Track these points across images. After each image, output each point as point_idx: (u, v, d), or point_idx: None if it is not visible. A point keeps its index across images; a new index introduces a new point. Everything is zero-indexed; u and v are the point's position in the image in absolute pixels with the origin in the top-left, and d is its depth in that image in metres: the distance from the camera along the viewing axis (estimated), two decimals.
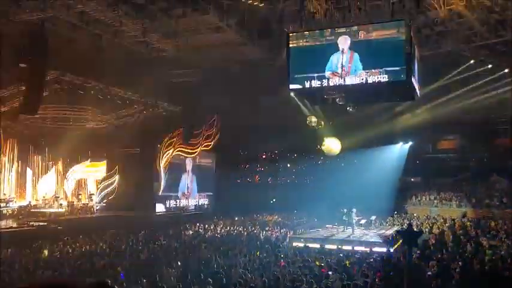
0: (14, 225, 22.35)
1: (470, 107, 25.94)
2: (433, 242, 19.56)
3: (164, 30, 20.80)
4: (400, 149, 35.48)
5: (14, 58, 18.72)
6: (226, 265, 13.18)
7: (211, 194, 35.41)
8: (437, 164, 35.53)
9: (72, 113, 27.98)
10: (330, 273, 11.77)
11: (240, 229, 24.36)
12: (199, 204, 34.25)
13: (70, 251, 16.96)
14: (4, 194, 26.56)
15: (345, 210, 22.66)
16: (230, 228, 24.90)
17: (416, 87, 15.43)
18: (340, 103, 16.34)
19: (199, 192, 34.33)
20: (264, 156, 43.27)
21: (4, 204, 25.24)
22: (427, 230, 24.16)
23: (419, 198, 32.72)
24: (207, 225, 25.65)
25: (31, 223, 22.77)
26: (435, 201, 31.66)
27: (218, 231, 23.95)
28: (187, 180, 33.46)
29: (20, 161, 28.52)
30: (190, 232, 23.49)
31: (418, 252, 15.24)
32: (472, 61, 23.18)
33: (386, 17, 15.47)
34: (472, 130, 32.87)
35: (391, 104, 25.66)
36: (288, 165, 41.64)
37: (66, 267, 13.57)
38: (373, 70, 14.45)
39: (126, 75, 23.77)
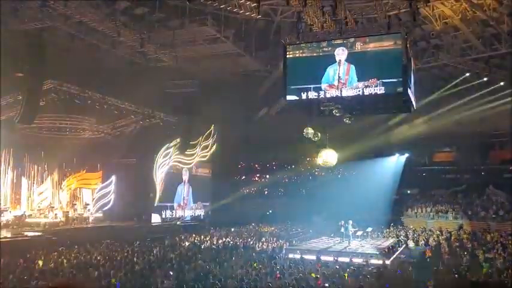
0: (9, 235, 22.16)
1: (466, 119, 26.08)
2: (430, 254, 19.53)
3: (162, 41, 20.93)
4: (397, 160, 35.55)
5: (12, 67, 18.72)
6: (222, 276, 13.10)
7: (207, 204, 35.26)
8: (434, 176, 35.60)
9: (69, 123, 27.92)
10: (326, 285, 11.72)
11: (236, 240, 24.26)
12: (195, 214, 34.10)
13: (65, 261, 16.81)
14: None
15: (343, 222, 22.62)
16: (226, 239, 24.78)
17: (413, 99, 15.52)
18: (337, 115, 16.41)
19: (195, 203, 34.21)
20: (260, 167, 43.23)
21: None
22: (423, 242, 24.14)
23: (415, 210, 32.70)
24: (203, 236, 25.52)
25: (26, 233, 22.60)
26: (431, 213, 31.64)
27: (214, 242, 23.83)
28: (184, 191, 33.35)
29: (15, 171, 28.38)
30: (186, 243, 23.35)
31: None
32: (467, 74, 23.36)
33: (383, 30, 15.59)
34: (468, 142, 32.99)
35: (388, 116, 25.78)
36: (284, 176, 41.59)
37: (61, 278, 13.44)
38: (369, 81, 14.54)
39: (123, 85, 23.81)
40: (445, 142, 35.62)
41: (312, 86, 15.37)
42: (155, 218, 29.95)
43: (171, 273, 13.43)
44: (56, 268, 15.34)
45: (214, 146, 33.59)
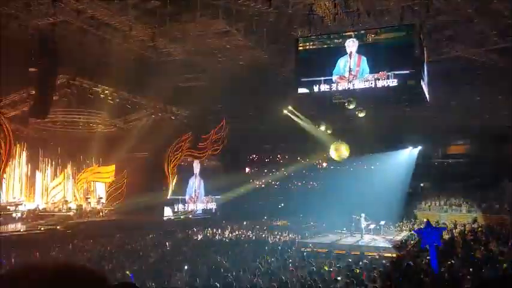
0: (23, 228, 22.47)
1: (481, 111, 25.76)
2: (443, 248, 19.36)
3: (173, 34, 20.89)
4: (409, 153, 35.26)
5: (25, 62, 18.85)
6: (234, 270, 13.13)
7: (218, 197, 35.31)
8: (447, 169, 35.28)
9: (82, 117, 28.16)
10: (339, 278, 11.68)
11: (249, 233, 24.30)
12: (207, 208, 34.21)
13: (79, 254, 17.00)
14: (13, 197, 26.74)
15: (357, 217, 22.56)
16: (238, 232, 24.84)
17: (426, 91, 15.37)
18: (349, 107, 16.32)
19: (206, 195, 34.26)
20: (271, 161, 43.15)
21: (13, 208, 25.39)
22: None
23: (428, 204, 32.47)
24: (215, 230, 25.62)
25: (40, 226, 22.88)
26: (445, 206, 31.40)
27: (226, 236, 23.90)
28: (195, 184, 33.46)
29: (29, 165, 28.73)
30: (199, 236, 23.46)
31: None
32: (482, 65, 23.00)
33: (396, 21, 15.41)
34: (483, 135, 32.60)
35: (400, 108, 25.52)
36: (296, 170, 41.48)
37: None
38: (379, 73, 14.41)
39: (135, 79, 23.89)
40: (459, 135, 35.23)
41: (323, 78, 15.30)
42: (167, 212, 30.13)
43: (186, 266, 13.49)
44: (70, 261, 15.49)
45: (226, 139, 33.56)
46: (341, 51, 15.28)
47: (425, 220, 20.47)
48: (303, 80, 15.67)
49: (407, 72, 14.35)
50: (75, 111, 27.34)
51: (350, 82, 14.95)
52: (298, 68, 16.17)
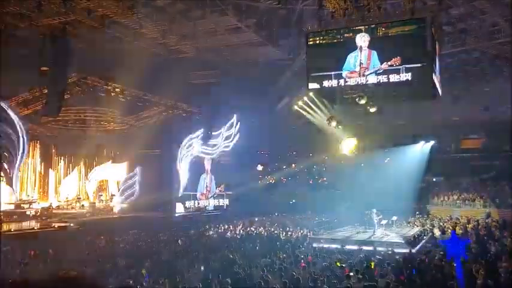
0: (37, 226, 22.72)
1: (494, 104, 25.45)
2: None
3: (183, 32, 20.93)
4: (422, 148, 34.98)
5: (37, 61, 19.02)
6: (246, 266, 13.15)
7: (230, 193, 35.35)
8: (460, 164, 34.88)
9: (93, 115, 28.37)
10: (351, 274, 11.64)
11: (260, 229, 24.32)
12: (219, 204, 34.29)
13: (92, 251, 17.15)
14: (27, 195, 27.05)
15: (369, 212, 22.45)
16: (250, 228, 24.87)
17: (438, 85, 15.21)
18: (360, 102, 16.21)
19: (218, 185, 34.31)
20: (283, 157, 43.09)
21: (27, 206, 25.69)
22: (449, 230, 23.76)
23: (441, 199, 32.20)
24: (226, 226, 25.68)
25: (54, 224, 23.12)
26: (458, 201, 31.11)
27: (238, 232, 23.95)
28: (206, 181, 33.56)
29: (42, 163, 29.03)
30: (211, 232, 23.54)
31: (441, 253, 14.98)
32: (495, 58, 22.73)
33: (407, 15, 15.24)
34: (496, 128, 32.19)
35: (412, 103, 25.31)
36: (308, 165, 41.39)
37: (89, 267, 13.72)
38: (392, 60, 14.28)
39: (146, 77, 23.98)
40: (473, 128, 34.86)
41: (333, 73, 15.22)
42: (180, 208, 30.26)
43: (198, 263, 13.55)
44: (83, 258, 15.65)
45: (237, 136, 33.58)
46: (351, 46, 15.17)
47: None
48: (313, 75, 15.59)
49: (419, 66, 14.21)
50: (87, 110, 27.54)
51: (362, 76, 14.86)
52: (308, 63, 16.08)
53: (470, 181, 33.33)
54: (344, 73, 14.98)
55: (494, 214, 28.12)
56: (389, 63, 14.32)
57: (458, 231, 23.09)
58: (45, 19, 18.22)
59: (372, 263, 13.64)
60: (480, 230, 22.99)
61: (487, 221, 26.11)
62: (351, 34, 15.26)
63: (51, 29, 18.81)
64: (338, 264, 13.57)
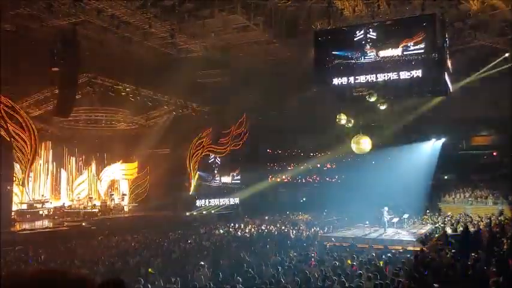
0: (50, 225, 22.94)
1: (505, 101, 25.13)
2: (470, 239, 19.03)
3: (192, 31, 20.98)
4: (433, 145, 34.72)
5: (47, 62, 19.18)
6: (257, 264, 13.15)
7: (240, 192, 35.36)
8: (472, 161, 34.57)
9: (104, 115, 28.54)
10: (362, 272, 11.59)
11: (271, 228, 24.30)
12: (229, 203, 34.33)
13: (104, 250, 17.26)
14: (40, 195, 27.31)
15: (381, 210, 22.34)
16: (260, 227, 24.87)
17: (449, 81, 15.11)
18: (371, 100, 16.15)
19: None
20: (293, 155, 43.03)
21: (40, 205, 25.94)
22: (461, 228, 23.56)
23: (453, 196, 31.93)
24: (237, 224, 25.71)
25: (66, 223, 23.32)
26: (470, 199, 30.83)
27: (248, 231, 23.96)
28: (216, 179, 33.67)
29: (54, 163, 29.28)
30: (221, 231, 23.58)
31: (453, 251, 14.87)
32: (506, 54, 22.47)
33: (417, 11, 15.16)
34: (508, 125, 31.84)
35: (423, 99, 25.14)
36: (318, 164, 41.31)
37: (101, 266, 13.82)
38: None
39: (155, 76, 24.09)
40: (483, 125, 34.51)
41: (344, 70, 15.19)
42: (190, 207, 30.34)
43: (209, 261, 13.56)
44: (95, 257, 15.77)
45: (247, 135, 33.57)
46: (361, 43, 15.13)
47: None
48: (322, 72, 15.57)
49: (430, 62, 14.14)
50: (98, 110, 27.72)
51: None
52: (317, 61, 16.05)
53: (482, 178, 32.99)
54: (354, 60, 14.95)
55: (507, 211, 27.83)
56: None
57: (471, 228, 22.93)
58: (55, 20, 18.38)
59: (382, 262, 13.58)
60: (493, 227, 22.78)
61: (499, 218, 25.85)
62: (361, 32, 15.22)
63: (62, 30, 18.98)
64: (349, 262, 13.52)
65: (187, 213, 29.72)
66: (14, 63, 18.71)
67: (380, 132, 28.49)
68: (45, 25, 18.71)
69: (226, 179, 34.77)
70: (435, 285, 9.84)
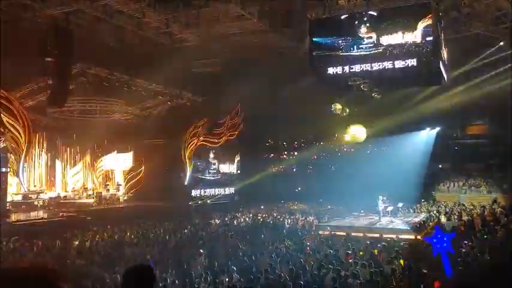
0: (45, 216, 22.89)
1: (500, 90, 25.22)
2: (462, 229, 19.21)
3: (186, 20, 20.84)
4: (427, 135, 34.87)
5: (41, 52, 19.03)
6: (252, 253, 13.22)
7: (236, 182, 35.41)
8: (466, 150, 34.77)
9: (98, 105, 28.37)
10: (357, 260, 11.69)
11: (266, 217, 24.40)
12: (225, 193, 34.39)
13: (100, 240, 17.26)
14: (35, 186, 27.25)
15: (376, 199, 22.44)
16: (256, 216, 24.95)
17: (444, 71, 15.12)
18: (365, 89, 16.15)
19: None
20: (288, 145, 43.12)
21: (35, 196, 25.88)
22: (455, 217, 23.75)
23: (447, 185, 32.15)
24: (233, 214, 25.77)
25: (61, 214, 23.29)
26: (464, 187, 31.05)
27: (244, 220, 24.03)
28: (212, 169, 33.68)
29: (49, 154, 29.17)
30: (217, 221, 23.63)
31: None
32: (501, 43, 22.49)
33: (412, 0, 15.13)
34: (502, 114, 31.95)
35: (418, 89, 25.19)
36: (313, 153, 41.37)
37: (97, 256, 13.84)
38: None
39: (150, 66, 23.94)
40: (478, 114, 34.63)
41: (338, 59, 15.16)
42: (185, 198, 30.36)
43: (202, 251, 13.61)
44: (91, 247, 15.79)
45: (242, 125, 33.52)
46: (355, 33, 15.09)
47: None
48: (317, 62, 15.54)
49: (425, 51, 14.12)
50: (92, 100, 27.55)
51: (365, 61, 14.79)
52: (312, 50, 16.01)
53: (476, 167, 33.20)
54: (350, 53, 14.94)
55: (501, 199, 28.06)
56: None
57: (465, 217, 23.11)
58: (48, 9, 18.21)
59: (376, 250, 13.69)
60: (486, 215, 22.97)
61: (493, 206, 26.07)
62: (356, 21, 15.18)
63: (55, 20, 18.81)
64: (343, 251, 13.62)
65: (183, 203, 29.74)
66: (6, 53, 18.53)
67: (375, 122, 28.57)
68: (38, 15, 18.53)
69: (222, 169, 34.77)
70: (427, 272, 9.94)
